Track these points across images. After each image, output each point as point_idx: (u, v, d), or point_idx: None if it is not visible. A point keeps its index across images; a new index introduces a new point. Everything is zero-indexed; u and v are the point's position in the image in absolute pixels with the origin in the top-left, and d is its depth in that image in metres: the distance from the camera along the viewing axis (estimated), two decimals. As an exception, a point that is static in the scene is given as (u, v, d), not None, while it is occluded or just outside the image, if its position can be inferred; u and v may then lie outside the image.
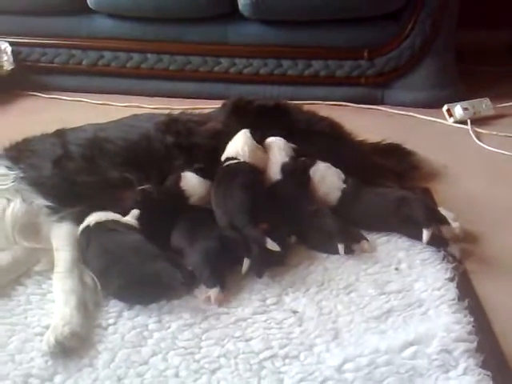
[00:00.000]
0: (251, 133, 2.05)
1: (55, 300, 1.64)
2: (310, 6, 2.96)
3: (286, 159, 2.02)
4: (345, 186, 1.98)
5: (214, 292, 1.64)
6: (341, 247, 1.78)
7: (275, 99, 2.52)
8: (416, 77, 3.05)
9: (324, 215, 1.86)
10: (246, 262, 1.69)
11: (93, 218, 1.81)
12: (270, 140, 2.10)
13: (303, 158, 2.04)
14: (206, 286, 1.66)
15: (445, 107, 2.90)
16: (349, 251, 1.80)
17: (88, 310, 1.62)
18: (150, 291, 1.65)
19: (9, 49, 3.22)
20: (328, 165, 2.03)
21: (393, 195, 1.94)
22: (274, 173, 2.01)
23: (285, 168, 2.00)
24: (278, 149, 2.06)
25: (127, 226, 1.82)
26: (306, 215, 1.88)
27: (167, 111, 2.42)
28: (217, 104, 2.48)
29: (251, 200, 1.84)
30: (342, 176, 2.01)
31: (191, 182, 1.97)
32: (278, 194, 1.96)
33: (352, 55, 3.05)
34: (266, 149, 2.07)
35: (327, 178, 2.00)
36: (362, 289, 1.70)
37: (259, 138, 2.07)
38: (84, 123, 2.27)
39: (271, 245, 1.71)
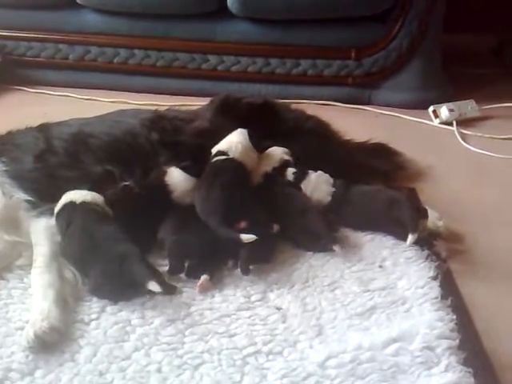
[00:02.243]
0: (249, 134, 2.04)
1: (33, 295, 1.62)
2: (298, 4, 2.97)
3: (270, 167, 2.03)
4: (334, 189, 1.99)
5: (204, 278, 1.65)
6: (336, 248, 1.78)
7: (263, 97, 2.51)
8: (403, 78, 3.07)
9: (312, 216, 1.86)
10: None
11: (78, 197, 1.80)
12: (271, 149, 2.09)
13: (295, 170, 2.03)
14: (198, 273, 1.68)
15: (431, 108, 2.92)
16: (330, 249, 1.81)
17: (68, 305, 1.61)
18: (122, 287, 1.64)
19: (-6, 42, 3.20)
20: (319, 173, 2.03)
21: (383, 196, 1.95)
22: (259, 178, 2.01)
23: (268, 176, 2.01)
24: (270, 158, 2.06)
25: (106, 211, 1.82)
26: (293, 215, 1.88)
27: (154, 107, 2.40)
28: (204, 101, 2.48)
29: (227, 201, 1.82)
30: (331, 180, 2.01)
31: (176, 177, 1.96)
32: (264, 195, 1.95)
33: (340, 55, 3.06)
34: (260, 154, 2.07)
35: (318, 187, 2.00)
36: (347, 286, 1.70)
37: (256, 142, 2.05)
38: (70, 118, 2.25)
39: (246, 238, 1.69)
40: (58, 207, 1.81)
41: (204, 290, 1.66)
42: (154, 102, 2.83)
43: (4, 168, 1.91)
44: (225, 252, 1.76)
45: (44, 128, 2.14)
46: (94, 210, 1.80)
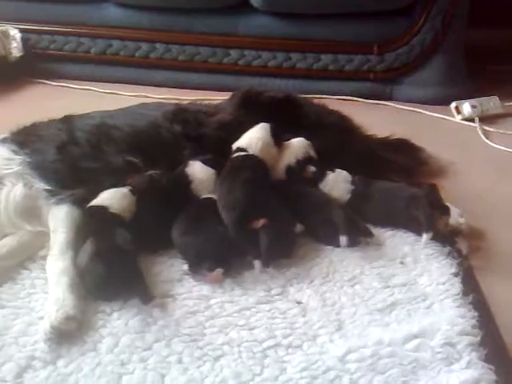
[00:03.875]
0: (271, 128, 2.03)
1: (49, 283, 1.64)
2: (320, -1, 2.96)
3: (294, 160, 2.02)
4: (353, 187, 1.98)
5: (217, 271, 1.66)
6: (343, 239, 1.77)
7: (285, 91, 2.51)
8: (425, 73, 3.04)
9: (333, 207, 1.86)
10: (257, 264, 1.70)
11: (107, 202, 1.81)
12: (293, 141, 2.07)
13: (314, 169, 2.02)
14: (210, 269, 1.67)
15: (453, 104, 2.90)
16: (353, 243, 1.80)
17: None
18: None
19: (18, 35, 3.22)
20: (337, 173, 2.01)
21: (403, 193, 1.94)
22: (281, 172, 2.01)
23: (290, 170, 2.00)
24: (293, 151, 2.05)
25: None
26: (314, 208, 1.88)
27: (175, 102, 2.41)
28: (225, 96, 2.48)
29: (248, 198, 1.81)
30: (349, 178, 2.00)
31: (197, 169, 1.97)
32: (284, 189, 1.95)
33: (361, 50, 3.05)
34: (281, 147, 2.05)
35: (336, 186, 1.99)
36: (367, 281, 1.70)
37: (278, 136, 2.03)
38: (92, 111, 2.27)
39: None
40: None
41: (214, 281, 1.67)
42: (176, 96, 2.84)
43: (26, 159, 1.93)
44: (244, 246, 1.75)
45: (67, 120, 2.16)
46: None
